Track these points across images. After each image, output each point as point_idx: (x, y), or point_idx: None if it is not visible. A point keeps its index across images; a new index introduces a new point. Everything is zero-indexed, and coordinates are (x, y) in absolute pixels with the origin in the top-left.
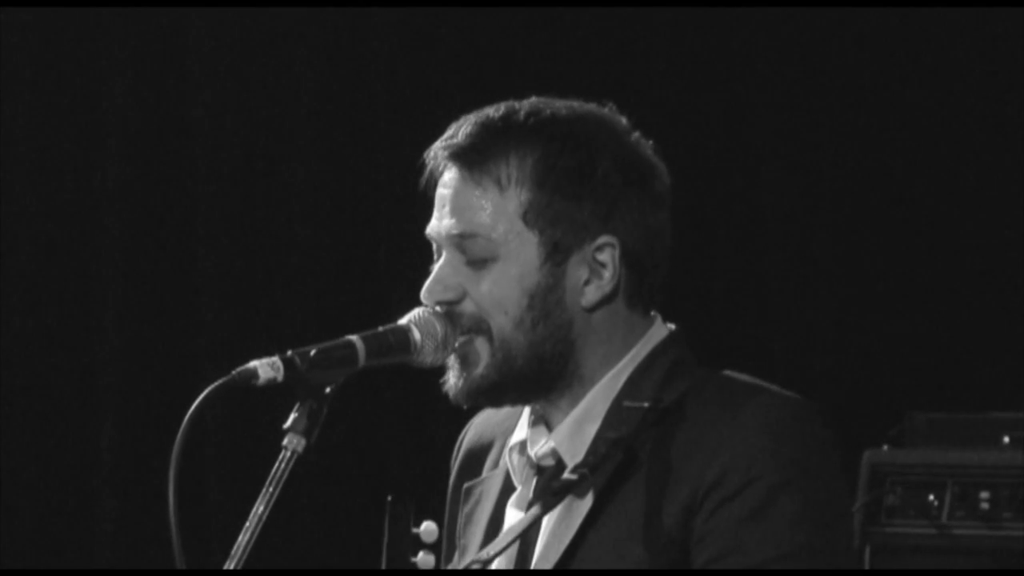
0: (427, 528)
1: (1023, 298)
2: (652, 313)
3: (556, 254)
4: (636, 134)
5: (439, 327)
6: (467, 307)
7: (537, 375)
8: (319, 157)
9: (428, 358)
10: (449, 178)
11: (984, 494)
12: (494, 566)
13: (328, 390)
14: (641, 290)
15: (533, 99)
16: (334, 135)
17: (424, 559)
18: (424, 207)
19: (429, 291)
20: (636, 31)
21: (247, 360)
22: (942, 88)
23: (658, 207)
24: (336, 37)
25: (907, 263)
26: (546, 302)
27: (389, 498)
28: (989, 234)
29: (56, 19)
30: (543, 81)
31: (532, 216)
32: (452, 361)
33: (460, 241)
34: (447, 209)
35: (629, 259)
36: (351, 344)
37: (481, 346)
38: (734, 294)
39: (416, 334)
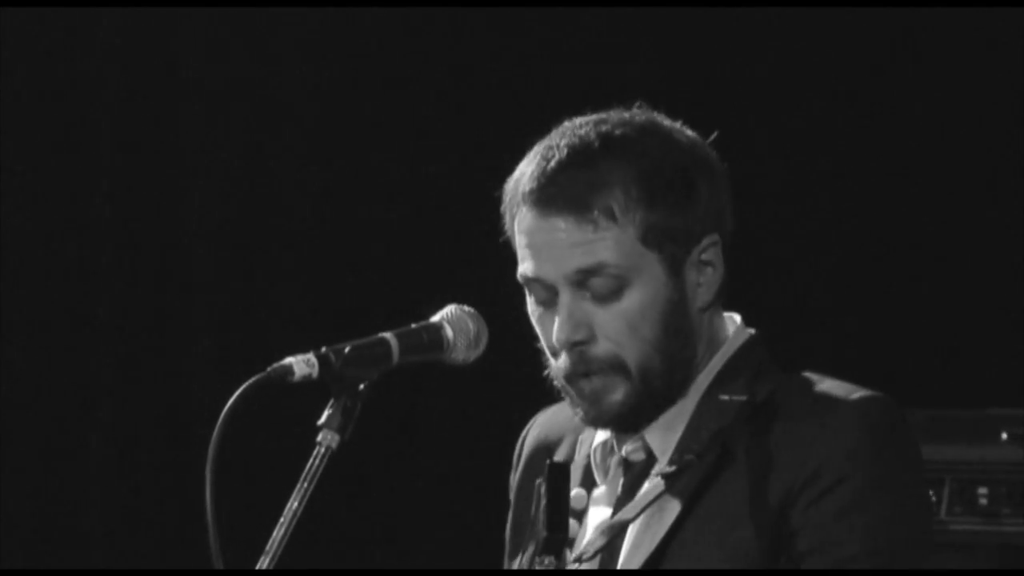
0: (577, 494)
1: (1021, 295)
2: (725, 313)
3: (675, 266)
4: (679, 124)
5: (471, 325)
6: (600, 348)
7: (671, 390)
8: (350, 154)
9: (460, 356)
10: (552, 223)
11: (982, 490)
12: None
13: (362, 387)
14: (726, 281)
15: (581, 122)
16: (350, 131)
17: (573, 525)
18: (448, 203)
19: (561, 331)
20: (648, 30)
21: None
22: (939, 89)
23: (728, 193)
24: (345, 36)
25: (904, 259)
26: (676, 316)
27: (548, 462)
28: (987, 231)
29: (48, 19)
30: (539, 82)
31: (651, 237)
32: (576, 398)
33: (584, 278)
34: (563, 251)
35: (726, 252)
36: (385, 341)
37: (615, 382)
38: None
39: (449, 332)
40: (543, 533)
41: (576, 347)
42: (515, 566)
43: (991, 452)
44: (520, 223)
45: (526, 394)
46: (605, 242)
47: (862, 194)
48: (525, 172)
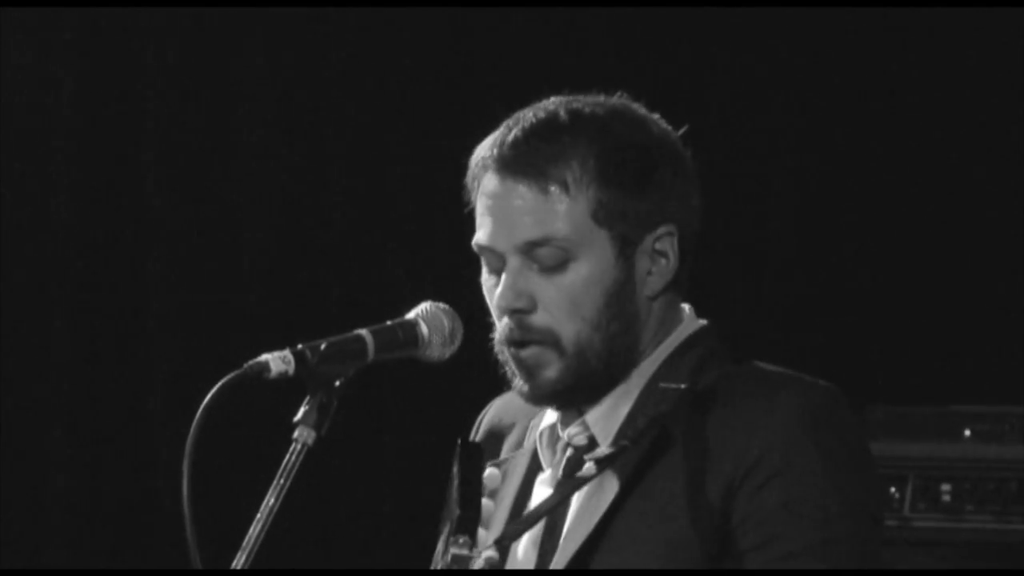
0: (490, 474)
1: (985, 293)
2: (682, 304)
3: (626, 248)
4: (656, 116)
5: (446, 321)
6: (538, 319)
7: (610, 372)
8: (322, 151)
9: (435, 352)
10: (508, 189)
11: (945, 487)
12: (523, 542)
13: (338, 383)
14: (685, 275)
15: (553, 100)
16: (336, 129)
17: (487, 505)
18: (421, 200)
19: (502, 298)
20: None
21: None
22: (913, 87)
23: (696, 186)
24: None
25: (868, 258)
26: (620, 298)
27: (459, 440)
28: (954, 229)
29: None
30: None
31: (602, 214)
32: (515, 369)
33: (531, 249)
34: (514, 219)
35: (683, 245)
36: (360, 338)
37: (549, 356)
38: (696, 286)
39: (424, 328)
40: (456, 512)
41: (516, 314)
42: (437, 548)
43: (954, 449)
44: (481, 188)
45: (500, 391)
46: (555, 213)
47: (828, 190)
48: (490, 139)
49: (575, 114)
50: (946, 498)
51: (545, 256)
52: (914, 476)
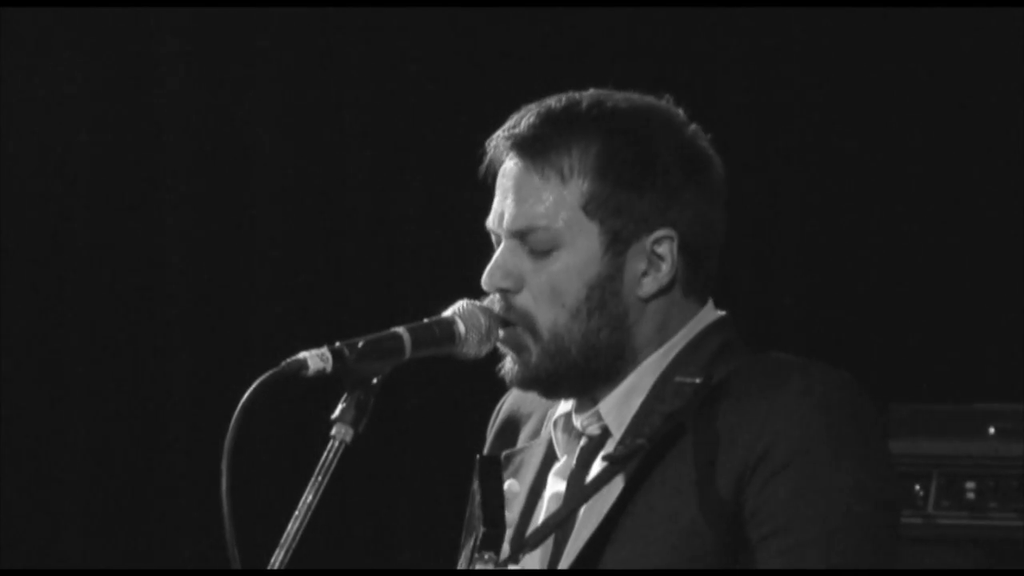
0: (510, 486)
1: (1008, 290)
2: (702, 300)
3: (616, 244)
4: (693, 127)
5: (483, 319)
6: (521, 300)
7: (592, 365)
8: (357, 152)
9: (472, 350)
10: (511, 168)
11: (970, 484)
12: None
13: (375, 381)
14: (696, 280)
15: (592, 91)
16: (371, 128)
17: (509, 517)
18: (450, 202)
19: (489, 275)
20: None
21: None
22: (930, 88)
23: (715, 200)
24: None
25: (891, 254)
26: (604, 292)
27: (478, 456)
28: (975, 227)
29: (24, 20)
30: (560, 78)
31: (593, 206)
32: (505, 348)
33: (524, 233)
34: (509, 200)
35: (686, 251)
36: (398, 336)
37: (527, 340)
38: (717, 281)
39: (460, 326)
40: (480, 529)
41: (501, 292)
42: (459, 560)
43: (979, 446)
44: (499, 167)
45: None
46: (548, 199)
47: (850, 188)
48: (512, 118)
49: (596, 105)
50: (970, 495)
51: (535, 240)
52: (938, 473)
